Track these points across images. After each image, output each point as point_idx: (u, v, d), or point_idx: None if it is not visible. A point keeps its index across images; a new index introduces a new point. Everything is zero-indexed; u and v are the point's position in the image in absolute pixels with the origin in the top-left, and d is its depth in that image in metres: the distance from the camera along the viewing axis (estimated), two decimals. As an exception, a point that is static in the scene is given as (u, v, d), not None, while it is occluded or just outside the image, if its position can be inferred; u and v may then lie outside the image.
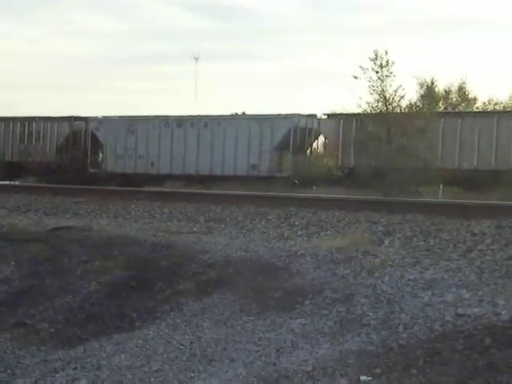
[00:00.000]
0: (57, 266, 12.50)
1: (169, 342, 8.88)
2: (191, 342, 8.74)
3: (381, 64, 24.53)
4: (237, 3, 77.63)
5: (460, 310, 8.07)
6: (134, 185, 25.97)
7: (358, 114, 25.64)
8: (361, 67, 24.39)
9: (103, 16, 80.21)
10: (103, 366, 8.53)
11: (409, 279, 9.51)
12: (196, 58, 48.42)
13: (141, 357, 8.60)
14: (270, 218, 15.63)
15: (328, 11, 75.38)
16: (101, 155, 31.04)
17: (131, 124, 29.22)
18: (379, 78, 24.68)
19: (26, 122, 31.96)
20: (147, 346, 8.88)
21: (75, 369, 8.61)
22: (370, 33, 68.24)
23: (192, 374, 7.93)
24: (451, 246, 11.79)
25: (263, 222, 15.22)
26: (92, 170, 29.94)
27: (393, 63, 24.57)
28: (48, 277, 12.05)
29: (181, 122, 28.26)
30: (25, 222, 16.48)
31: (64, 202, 19.57)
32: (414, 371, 6.72)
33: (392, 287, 9.25)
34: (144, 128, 28.82)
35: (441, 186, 23.16)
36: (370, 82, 24.60)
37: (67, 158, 30.44)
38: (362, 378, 6.81)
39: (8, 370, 8.96)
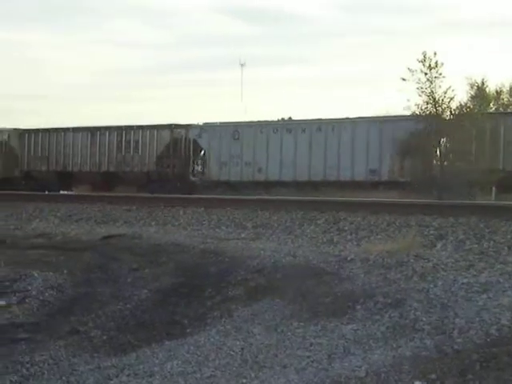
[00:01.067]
0: (108, 274, 12.63)
1: (220, 349, 8.87)
2: (242, 348, 8.72)
3: (429, 65, 24.29)
4: (280, 8, 77.76)
5: (516, 314, 7.89)
6: (239, 192, 25.23)
7: None
8: (409, 69, 24.20)
9: (144, 24, 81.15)
10: (156, 372, 8.55)
11: (462, 283, 9.34)
12: (242, 64, 48.64)
13: (192, 363, 8.60)
14: (318, 222, 15.55)
15: (371, 14, 75.02)
16: (202, 163, 30.05)
17: (236, 130, 28.30)
18: (428, 79, 24.44)
19: (123, 131, 30.96)
20: (198, 353, 8.88)
21: (128, 375, 8.65)
22: (416, 35, 67.63)
23: (244, 381, 7.90)
24: (506, 248, 11.56)
25: (312, 227, 15.14)
26: (193, 179, 29.15)
27: (442, 64, 24.32)
28: (100, 284, 12.18)
29: (291, 126, 27.49)
30: (76, 230, 16.72)
31: (114, 211, 19.77)
32: (469, 376, 6.59)
33: (445, 291, 9.09)
34: (250, 134, 27.91)
35: (493, 188, 22.78)
36: (418, 83, 24.39)
37: (168, 166, 29.67)
38: (417, 383, 6.70)
39: (63, 378, 9.04)
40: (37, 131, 33.47)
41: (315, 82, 73.12)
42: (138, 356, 9.26)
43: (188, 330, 9.99)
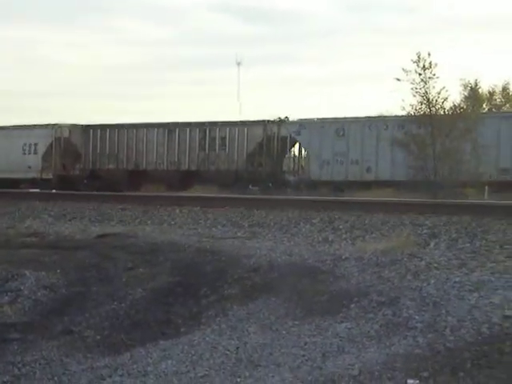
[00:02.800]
0: (102, 273, 12.62)
1: (214, 348, 8.89)
2: (237, 347, 8.74)
3: (424, 66, 24.39)
4: (276, 7, 77.75)
5: (507, 312, 7.93)
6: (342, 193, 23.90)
7: None
8: (403, 69, 24.29)
9: (142, 22, 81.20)
10: (149, 372, 8.57)
11: (455, 281, 9.38)
12: (238, 63, 48.58)
13: (187, 362, 8.63)
14: (314, 221, 15.58)
15: (367, 12, 75.06)
16: (298, 161, 28.73)
17: (341, 127, 26.75)
18: (422, 79, 24.53)
19: (207, 128, 29.56)
20: (193, 352, 8.90)
21: (122, 375, 8.67)
22: (411, 34, 67.70)
23: (238, 380, 7.93)
24: (497, 247, 11.60)
25: (307, 226, 15.17)
26: (290, 178, 27.82)
27: (436, 65, 24.43)
28: (94, 284, 12.18)
29: (402, 123, 25.62)
30: (70, 229, 16.70)
31: (109, 209, 19.75)
32: (461, 374, 6.64)
33: (438, 290, 9.13)
34: (357, 130, 26.27)
35: (486, 188, 22.87)
36: (412, 84, 24.48)
37: (260, 165, 28.38)
38: (409, 381, 6.74)
39: (55, 378, 9.06)
40: (104, 127, 32.01)
41: (312, 80, 73.25)
42: (131, 356, 9.27)
43: (183, 330, 10.01)
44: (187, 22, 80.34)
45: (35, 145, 32.08)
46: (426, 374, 6.79)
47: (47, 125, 32.12)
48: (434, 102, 24.78)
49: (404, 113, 25.47)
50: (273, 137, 28.26)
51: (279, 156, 28.25)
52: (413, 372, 6.90)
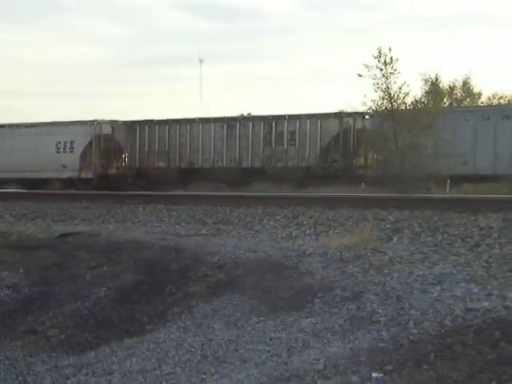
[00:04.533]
0: (66, 273, 12.53)
1: (180, 345, 8.89)
2: (202, 344, 8.75)
3: (385, 61, 24.56)
4: (238, 4, 77.76)
5: (469, 305, 8.05)
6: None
7: None
8: (365, 65, 24.42)
9: (104, 21, 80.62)
10: (115, 370, 8.54)
11: (418, 275, 9.49)
12: (201, 60, 48.48)
13: (152, 360, 8.61)
14: (278, 217, 15.62)
15: (329, 9, 75.44)
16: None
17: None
18: (383, 75, 24.70)
19: (273, 122, 27.41)
20: (158, 350, 8.89)
21: (86, 374, 8.64)
22: (372, 30, 68.21)
23: (204, 376, 7.94)
24: (459, 240, 11.77)
25: (271, 223, 15.21)
26: (368, 173, 25.83)
27: (397, 60, 24.60)
28: (57, 283, 12.08)
29: (508, 112, 24.15)
30: (33, 229, 16.51)
31: (72, 208, 19.58)
32: (425, 367, 6.70)
33: (401, 283, 9.23)
34: (453, 121, 24.48)
35: (448, 182, 23.13)
36: (374, 79, 24.64)
37: (335, 160, 26.60)
38: (374, 374, 6.80)
39: (20, 378, 8.99)
40: (152, 123, 29.92)
41: (275, 77, 73.37)
42: (96, 355, 9.23)
43: (148, 327, 9.98)
44: (147, 21, 79.92)
45: (71, 142, 29.92)
46: (390, 367, 6.85)
47: (85, 121, 30.19)
48: (396, 97, 24.97)
49: (365, 108, 25.63)
50: (349, 130, 26.53)
51: (354, 150, 26.69)
52: (377, 365, 6.96)
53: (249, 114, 31.26)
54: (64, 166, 29.59)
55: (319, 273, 10.30)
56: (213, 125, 28.60)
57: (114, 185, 27.71)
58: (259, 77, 75.07)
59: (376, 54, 24.45)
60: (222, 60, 76.36)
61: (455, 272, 9.52)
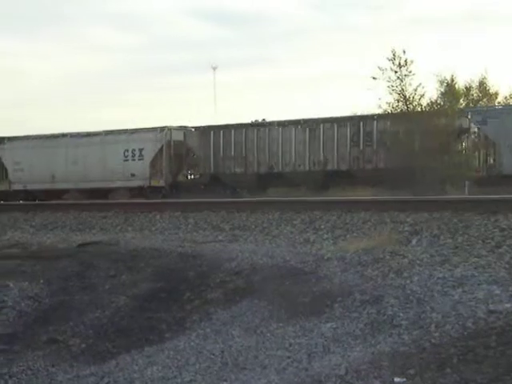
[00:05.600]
0: (85, 282, 12.56)
1: (200, 352, 8.87)
2: (222, 351, 8.73)
3: (399, 63, 24.51)
4: (247, 10, 77.93)
5: (491, 307, 7.97)
6: None
7: None
8: (379, 67, 24.39)
9: (115, 29, 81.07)
10: (135, 379, 8.54)
11: (438, 278, 9.42)
12: (214, 68, 48.56)
13: (172, 368, 8.60)
14: (295, 222, 15.58)
15: (340, 12, 75.39)
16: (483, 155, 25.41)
17: None
18: (398, 77, 24.65)
19: (361, 122, 26.35)
20: (178, 357, 8.88)
21: (108, 383, 8.63)
22: (385, 32, 68.10)
23: (224, 383, 7.91)
24: (479, 242, 11.66)
25: (288, 228, 15.17)
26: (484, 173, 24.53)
27: (411, 62, 24.56)
28: (77, 293, 12.12)
29: None
30: (52, 239, 16.60)
31: (90, 218, 19.63)
32: (448, 370, 6.64)
33: (421, 286, 9.16)
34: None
35: (466, 183, 23.00)
36: (389, 81, 24.60)
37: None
38: (396, 379, 6.74)
39: (41, 388, 9.01)
40: (228, 127, 29.05)
41: (289, 82, 73.40)
42: (117, 363, 9.23)
43: (167, 335, 9.97)
44: (159, 28, 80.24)
45: (140, 150, 29.43)
46: (412, 372, 6.80)
47: (154, 128, 29.76)
48: (411, 99, 24.92)
49: (380, 111, 25.59)
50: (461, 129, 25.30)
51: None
52: (399, 370, 6.91)
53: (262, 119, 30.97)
54: (133, 175, 29.21)
55: (338, 277, 10.25)
56: (293, 128, 27.68)
57: (186, 192, 27.04)
58: (272, 81, 75.07)
59: (390, 56, 24.44)
60: (235, 66, 76.46)
61: (476, 274, 9.43)
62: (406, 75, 24.78)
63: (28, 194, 31.90)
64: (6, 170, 34.12)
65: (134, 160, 29.48)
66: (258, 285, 10.66)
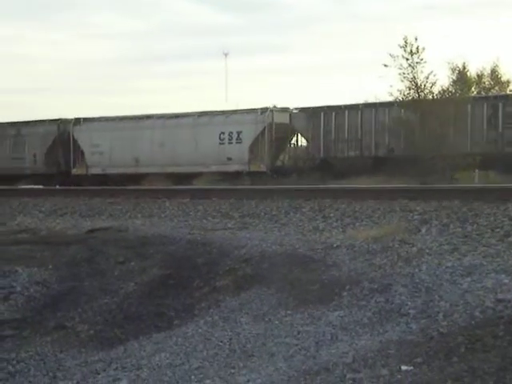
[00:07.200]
0: (94, 268, 12.60)
1: (208, 339, 8.88)
2: (230, 339, 8.73)
3: (411, 51, 24.38)
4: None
5: (500, 296, 7.94)
6: None
7: None
8: (391, 55, 24.26)
9: (125, 16, 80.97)
10: (143, 365, 8.56)
11: (447, 266, 9.39)
12: (225, 54, 48.42)
13: (180, 355, 8.62)
14: (304, 210, 15.56)
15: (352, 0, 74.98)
16: None
17: None
18: (410, 65, 24.52)
19: (500, 102, 24.15)
20: (186, 344, 8.90)
21: (116, 369, 8.66)
22: (397, 19, 67.68)
23: (232, 371, 7.91)
24: (489, 231, 11.62)
25: (298, 215, 15.16)
26: None
27: (423, 49, 24.42)
28: (86, 279, 12.17)
29: None
30: (61, 225, 16.66)
31: (99, 204, 19.69)
32: (455, 359, 6.62)
33: (430, 275, 9.13)
34: None
35: (476, 171, 22.90)
36: (400, 69, 24.47)
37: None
38: (403, 367, 6.73)
39: (50, 374, 9.05)
40: (340, 108, 26.94)
41: (300, 69, 73.16)
42: (125, 349, 9.27)
43: (176, 322, 10.00)
44: (170, 15, 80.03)
45: (238, 133, 27.52)
46: (419, 360, 6.78)
47: (254, 109, 27.88)
48: (423, 86, 24.79)
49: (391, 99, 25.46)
50: None
51: None
52: (407, 358, 6.89)
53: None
54: (229, 159, 27.61)
55: (346, 265, 10.23)
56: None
57: (288, 177, 25.46)
58: (284, 68, 74.82)
59: (402, 43, 24.31)
60: (246, 53, 76.23)
61: (485, 263, 9.39)
62: (417, 62, 24.63)
63: (107, 179, 29.93)
64: (82, 152, 31.80)
65: (231, 143, 27.81)
66: (267, 272, 10.66)
